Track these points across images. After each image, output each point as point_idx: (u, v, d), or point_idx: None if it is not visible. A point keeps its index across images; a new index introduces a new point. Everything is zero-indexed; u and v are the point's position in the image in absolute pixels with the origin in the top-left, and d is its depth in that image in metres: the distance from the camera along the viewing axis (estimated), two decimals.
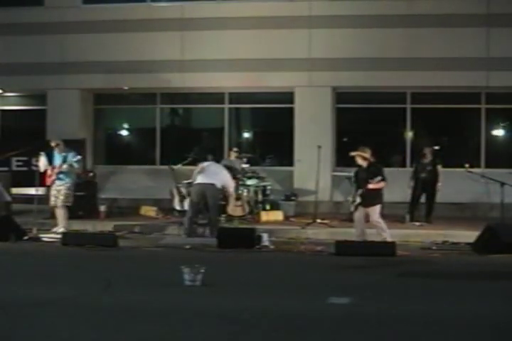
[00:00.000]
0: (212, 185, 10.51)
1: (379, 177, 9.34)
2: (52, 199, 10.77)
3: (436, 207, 12.17)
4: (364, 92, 14.19)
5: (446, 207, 12.83)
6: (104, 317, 5.26)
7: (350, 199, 9.75)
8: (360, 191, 9.45)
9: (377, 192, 9.52)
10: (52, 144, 10.86)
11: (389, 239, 9.38)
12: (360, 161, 9.67)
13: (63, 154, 10.79)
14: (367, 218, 9.67)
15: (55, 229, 10.70)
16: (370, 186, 9.34)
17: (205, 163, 10.90)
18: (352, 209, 9.73)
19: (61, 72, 14.34)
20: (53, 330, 4.86)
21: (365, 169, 9.59)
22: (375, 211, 9.54)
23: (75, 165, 10.79)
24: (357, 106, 14.45)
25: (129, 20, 14.20)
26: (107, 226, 11.31)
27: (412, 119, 14.19)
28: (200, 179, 10.58)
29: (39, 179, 10.91)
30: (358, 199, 9.46)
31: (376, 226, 9.60)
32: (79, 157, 10.89)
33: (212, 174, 10.61)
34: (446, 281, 7.12)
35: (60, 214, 10.75)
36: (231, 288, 6.55)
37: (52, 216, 11.06)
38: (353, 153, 9.77)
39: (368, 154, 9.67)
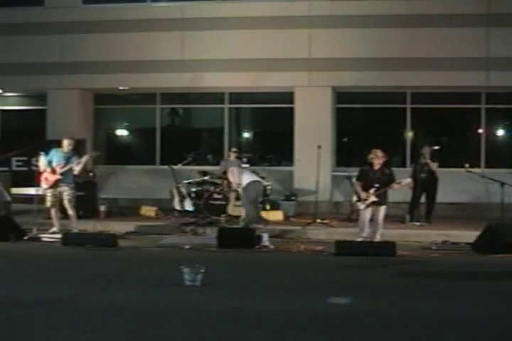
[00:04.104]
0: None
1: (409, 179, 10.06)
2: (54, 200, 10.65)
3: (436, 207, 12.16)
4: (364, 92, 14.18)
5: (446, 207, 12.84)
6: (104, 317, 5.26)
7: (364, 196, 9.75)
8: (372, 190, 9.60)
9: (387, 192, 9.81)
10: (65, 143, 10.65)
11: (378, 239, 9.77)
12: (380, 162, 9.82)
13: (69, 155, 10.71)
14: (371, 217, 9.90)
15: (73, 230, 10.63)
16: (396, 186, 9.71)
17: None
18: (362, 207, 9.77)
19: (61, 72, 14.34)
20: (53, 330, 4.86)
21: (379, 170, 9.77)
22: (384, 211, 9.81)
23: (76, 168, 10.72)
24: (357, 106, 14.46)
25: (129, 20, 14.20)
26: (107, 226, 11.29)
27: (412, 119, 14.19)
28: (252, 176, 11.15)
29: (38, 179, 10.88)
30: (373, 198, 9.60)
31: (378, 225, 9.77)
32: (80, 160, 10.80)
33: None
34: (446, 281, 7.12)
35: (72, 214, 10.70)
36: (231, 288, 6.55)
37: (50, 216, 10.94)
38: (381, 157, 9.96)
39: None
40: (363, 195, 9.71)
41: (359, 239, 9.73)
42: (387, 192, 9.83)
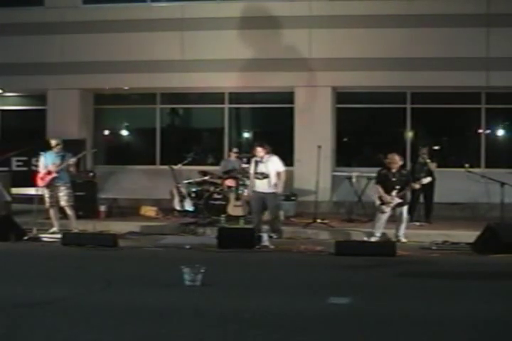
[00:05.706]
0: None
1: (428, 178, 10.57)
2: (52, 200, 10.66)
3: (436, 207, 12.16)
4: (364, 92, 14.19)
5: (446, 207, 12.83)
6: (104, 317, 5.26)
7: (390, 197, 9.95)
8: (394, 192, 9.92)
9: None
10: (53, 143, 10.79)
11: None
12: (397, 166, 10.18)
13: (61, 154, 10.75)
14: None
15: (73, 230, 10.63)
16: (417, 186, 10.28)
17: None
18: (388, 210, 10.01)
19: (61, 72, 14.34)
20: (53, 330, 4.86)
21: (397, 171, 10.13)
22: (406, 209, 10.24)
23: (72, 166, 10.75)
24: (357, 106, 14.45)
25: (129, 20, 14.20)
26: (107, 226, 11.29)
27: (412, 119, 14.19)
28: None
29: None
30: (397, 200, 9.93)
31: (403, 223, 10.14)
32: (74, 159, 10.80)
33: None
34: (446, 281, 7.12)
35: (71, 214, 10.71)
36: (231, 288, 6.55)
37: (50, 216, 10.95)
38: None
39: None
40: (387, 198, 9.91)
41: (372, 239, 10.01)
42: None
